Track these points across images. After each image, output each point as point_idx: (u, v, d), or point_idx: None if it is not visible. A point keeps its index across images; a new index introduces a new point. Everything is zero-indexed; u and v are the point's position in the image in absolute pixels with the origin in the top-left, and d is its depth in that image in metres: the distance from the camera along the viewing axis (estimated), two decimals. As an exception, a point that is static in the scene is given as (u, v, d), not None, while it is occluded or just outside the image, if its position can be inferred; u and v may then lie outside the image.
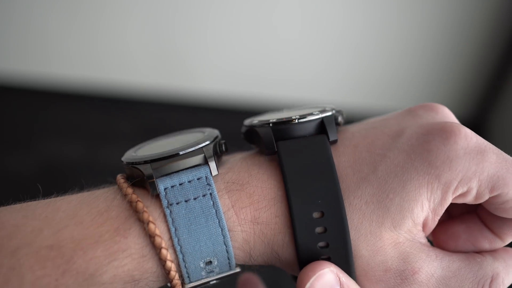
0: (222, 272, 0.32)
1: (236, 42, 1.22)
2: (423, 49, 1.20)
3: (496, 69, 1.18)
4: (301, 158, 0.32)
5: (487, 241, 0.32)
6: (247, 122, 0.36)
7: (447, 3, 1.11)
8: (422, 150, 0.30)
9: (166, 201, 0.32)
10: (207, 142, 0.33)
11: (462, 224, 0.33)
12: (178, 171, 0.32)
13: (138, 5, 1.16)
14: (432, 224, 0.31)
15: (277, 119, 0.33)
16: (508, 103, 1.15)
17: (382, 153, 0.31)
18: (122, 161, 0.34)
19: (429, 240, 0.32)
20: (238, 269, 0.33)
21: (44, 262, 0.28)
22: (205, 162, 0.32)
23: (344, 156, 0.32)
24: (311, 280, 0.29)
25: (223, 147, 0.34)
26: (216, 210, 0.32)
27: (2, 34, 1.20)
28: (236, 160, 0.35)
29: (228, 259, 0.32)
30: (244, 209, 0.31)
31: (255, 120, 0.35)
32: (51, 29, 1.20)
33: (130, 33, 1.21)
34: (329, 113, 0.34)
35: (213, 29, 1.20)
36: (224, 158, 0.36)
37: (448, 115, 0.34)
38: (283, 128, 0.33)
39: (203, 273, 0.32)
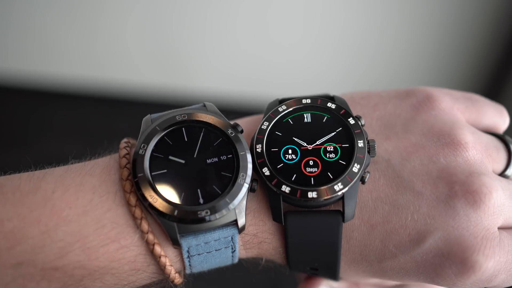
0: None
1: (235, 42, 1.20)
2: (424, 50, 1.19)
3: (496, 69, 1.17)
4: (308, 239, 0.32)
5: None
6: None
7: (447, 3, 1.09)
8: (432, 270, 0.31)
9: (187, 253, 0.32)
10: (242, 196, 0.31)
11: None
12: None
13: (138, 6, 1.15)
14: None
15: (291, 190, 0.31)
16: (509, 102, 1.15)
17: (394, 253, 0.31)
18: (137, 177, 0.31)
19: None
20: None
21: (49, 282, 0.29)
22: (235, 222, 0.31)
23: (358, 234, 0.32)
24: None
25: (255, 187, 0.32)
26: (232, 256, 0.33)
27: (1, 33, 1.18)
28: (254, 207, 0.34)
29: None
30: (252, 250, 0.35)
31: (267, 170, 0.32)
32: (51, 29, 1.18)
33: (130, 34, 1.19)
34: (353, 182, 0.30)
35: (213, 30, 1.18)
36: None
37: (491, 216, 0.30)
38: (295, 199, 0.31)
39: None
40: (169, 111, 0.35)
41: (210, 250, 0.32)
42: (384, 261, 0.32)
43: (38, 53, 1.21)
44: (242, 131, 0.33)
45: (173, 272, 0.32)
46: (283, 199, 0.31)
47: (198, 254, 0.32)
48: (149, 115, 0.34)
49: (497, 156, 0.33)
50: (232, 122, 0.34)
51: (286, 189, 0.30)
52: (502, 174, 0.34)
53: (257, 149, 0.32)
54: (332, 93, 0.37)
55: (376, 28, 1.14)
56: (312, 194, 0.30)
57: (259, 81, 1.27)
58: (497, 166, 0.33)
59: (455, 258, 0.30)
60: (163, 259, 0.31)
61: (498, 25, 1.10)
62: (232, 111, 0.38)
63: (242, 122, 0.37)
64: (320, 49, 1.20)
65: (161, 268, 0.32)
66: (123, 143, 0.34)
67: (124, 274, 0.31)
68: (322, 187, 0.30)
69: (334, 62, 1.22)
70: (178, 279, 0.33)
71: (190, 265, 0.32)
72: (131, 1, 1.14)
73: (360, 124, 0.32)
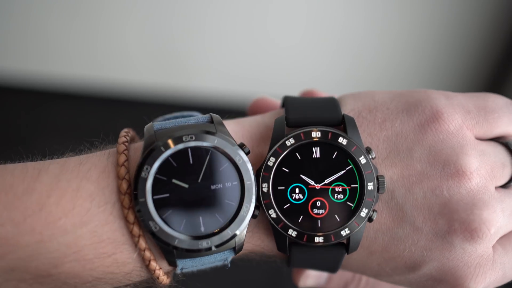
0: None
1: (235, 42, 1.14)
2: (424, 51, 1.15)
3: (496, 69, 1.16)
4: (311, 267, 0.34)
5: None
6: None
7: (447, 5, 1.05)
8: None
9: (181, 267, 0.32)
10: (243, 228, 0.31)
11: None
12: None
13: (137, 6, 1.06)
14: None
15: (297, 234, 0.31)
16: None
17: (390, 274, 0.33)
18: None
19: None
20: None
21: (41, 285, 0.29)
22: (233, 248, 0.32)
23: (356, 256, 0.33)
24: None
25: (256, 214, 0.32)
26: (224, 265, 0.34)
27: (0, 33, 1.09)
28: (253, 226, 0.34)
29: None
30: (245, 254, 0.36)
31: (273, 212, 0.31)
32: (50, 28, 1.09)
33: (129, 34, 1.12)
34: (360, 226, 0.31)
35: (213, 30, 1.12)
36: None
37: (487, 243, 0.31)
38: (300, 243, 0.31)
39: None
40: (174, 121, 0.33)
41: (204, 264, 0.33)
42: (380, 277, 0.34)
43: (37, 53, 1.13)
44: (249, 152, 0.32)
45: (165, 279, 0.32)
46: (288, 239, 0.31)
47: (192, 267, 0.33)
48: (151, 123, 0.32)
49: (501, 175, 0.33)
50: (238, 142, 0.32)
51: (292, 233, 0.31)
52: (506, 184, 0.34)
53: (263, 189, 0.31)
54: (336, 94, 0.35)
55: (377, 28, 1.10)
56: (318, 239, 0.30)
57: (259, 81, 1.23)
58: (500, 183, 0.33)
59: (447, 284, 0.32)
60: (157, 272, 0.31)
61: (498, 25, 1.06)
62: (231, 111, 0.35)
63: (247, 128, 0.35)
64: (320, 49, 1.15)
65: (154, 278, 0.32)
66: (122, 144, 0.32)
67: (118, 282, 0.32)
68: (329, 232, 0.30)
69: (334, 62, 1.19)
70: (167, 282, 0.33)
71: (181, 272, 0.33)
72: (130, 1, 1.06)
73: (370, 160, 0.31)
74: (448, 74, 1.20)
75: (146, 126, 0.32)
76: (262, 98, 0.45)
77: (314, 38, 1.13)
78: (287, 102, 0.34)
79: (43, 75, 1.19)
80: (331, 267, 0.33)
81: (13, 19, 1.10)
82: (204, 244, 0.30)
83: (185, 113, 0.35)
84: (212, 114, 0.33)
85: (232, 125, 0.34)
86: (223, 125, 0.32)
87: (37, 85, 1.20)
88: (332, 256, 0.32)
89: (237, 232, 0.30)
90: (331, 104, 0.34)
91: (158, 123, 0.32)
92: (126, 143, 0.32)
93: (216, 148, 0.30)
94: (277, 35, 1.14)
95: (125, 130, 0.35)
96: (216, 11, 1.09)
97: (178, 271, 0.32)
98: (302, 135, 0.31)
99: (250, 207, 0.30)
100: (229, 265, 0.34)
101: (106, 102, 1.23)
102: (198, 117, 0.33)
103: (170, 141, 0.30)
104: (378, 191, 0.31)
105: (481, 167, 0.31)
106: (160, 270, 0.31)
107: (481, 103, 0.33)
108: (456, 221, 0.30)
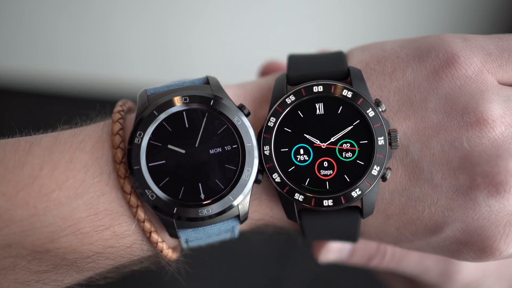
0: None
1: (235, 41, 1.12)
2: None
3: None
4: (326, 235, 0.32)
5: None
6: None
7: (450, 4, 1.01)
8: (449, 254, 0.31)
9: (186, 241, 0.31)
10: (246, 193, 0.29)
11: None
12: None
13: (135, 4, 1.06)
14: None
15: (305, 198, 0.29)
16: None
17: (411, 239, 0.30)
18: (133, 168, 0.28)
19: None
20: None
21: (40, 261, 0.28)
22: (238, 216, 0.30)
23: (373, 221, 0.31)
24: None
25: (260, 179, 0.30)
26: (231, 237, 0.32)
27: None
28: (260, 192, 0.32)
29: None
30: (255, 227, 0.34)
31: (277, 176, 0.29)
32: (47, 26, 1.09)
33: (128, 33, 1.11)
34: (373, 186, 0.28)
35: (212, 29, 1.10)
36: None
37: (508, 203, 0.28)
38: (308, 207, 0.29)
39: None
40: (168, 85, 0.31)
41: (209, 236, 0.31)
42: (400, 243, 0.32)
43: (33, 52, 1.13)
44: (248, 114, 0.29)
45: (170, 253, 0.31)
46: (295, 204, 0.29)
47: (197, 239, 0.31)
48: (144, 89, 0.31)
49: None
50: (238, 104, 0.30)
51: (299, 197, 0.28)
52: None
53: (265, 152, 0.28)
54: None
55: (378, 28, 1.08)
56: (327, 202, 0.28)
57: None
58: None
59: (474, 246, 0.29)
60: (160, 245, 0.30)
61: (501, 24, 1.02)
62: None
63: (249, 91, 0.33)
64: (321, 47, 1.15)
65: (157, 251, 0.31)
66: (117, 113, 0.30)
67: (120, 257, 0.30)
68: (338, 194, 0.28)
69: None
70: (174, 256, 0.32)
71: (187, 246, 0.32)
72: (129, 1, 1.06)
73: (380, 113, 0.28)
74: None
75: (139, 92, 0.30)
76: (272, 61, 0.43)
77: (316, 38, 1.11)
78: (290, 60, 0.32)
79: (41, 74, 1.20)
80: (350, 235, 0.31)
81: (7, 16, 1.10)
82: (204, 211, 0.28)
83: (182, 80, 0.33)
84: (208, 75, 0.31)
85: (233, 89, 0.32)
86: (220, 86, 0.30)
87: (35, 85, 1.20)
88: (347, 222, 0.30)
89: (240, 198, 0.28)
90: (336, 57, 0.31)
91: (152, 89, 0.30)
92: (122, 112, 0.31)
93: (213, 109, 0.28)
94: (277, 35, 1.12)
95: (122, 100, 0.33)
96: (215, 9, 1.09)
97: (183, 244, 0.31)
98: (302, 90, 0.29)
99: (252, 171, 0.28)
100: (236, 236, 0.32)
101: (105, 103, 1.24)
102: (194, 79, 0.31)
103: (163, 104, 0.28)
104: (390, 146, 0.28)
105: (506, 114, 0.27)
106: (163, 243, 0.30)
107: (505, 44, 0.29)
108: (478, 174, 0.27)
